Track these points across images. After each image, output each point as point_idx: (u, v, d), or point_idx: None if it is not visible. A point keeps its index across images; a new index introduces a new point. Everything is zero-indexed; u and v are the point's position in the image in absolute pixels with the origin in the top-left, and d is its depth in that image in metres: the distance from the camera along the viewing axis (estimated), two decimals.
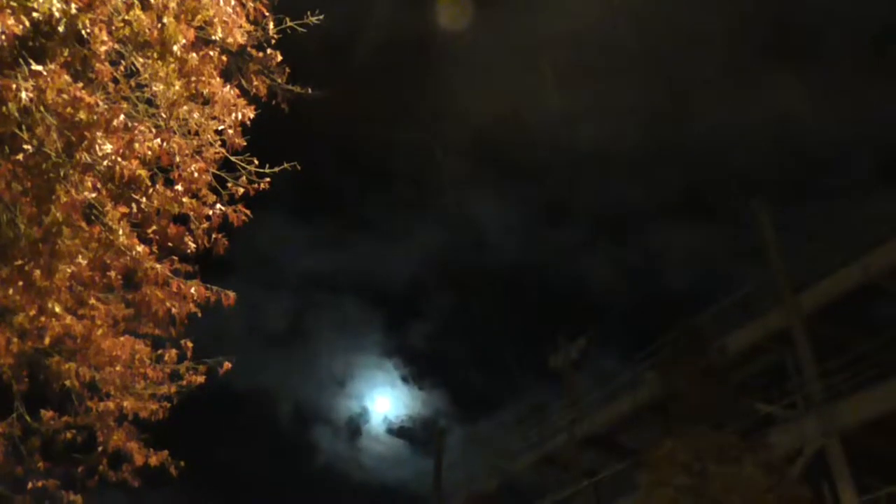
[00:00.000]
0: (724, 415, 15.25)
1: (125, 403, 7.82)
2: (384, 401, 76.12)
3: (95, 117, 4.71)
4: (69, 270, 5.31)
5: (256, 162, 5.91)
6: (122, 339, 7.40)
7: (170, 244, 5.54)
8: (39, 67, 4.51)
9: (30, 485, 8.59)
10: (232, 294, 5.95)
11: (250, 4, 5.65)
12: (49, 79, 4.46)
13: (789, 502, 13.78)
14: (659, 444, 15.40)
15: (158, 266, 5.45)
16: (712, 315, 21.29)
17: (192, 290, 5.77)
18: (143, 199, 5.16)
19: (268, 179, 5.95)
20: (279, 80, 6.31)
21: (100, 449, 8.30)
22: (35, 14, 4.31)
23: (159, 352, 7.79)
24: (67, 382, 7.59)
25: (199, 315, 6.38)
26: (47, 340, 6.78)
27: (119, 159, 4.70)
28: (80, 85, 4.78)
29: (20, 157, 4.82)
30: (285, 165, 6.02)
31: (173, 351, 7.78)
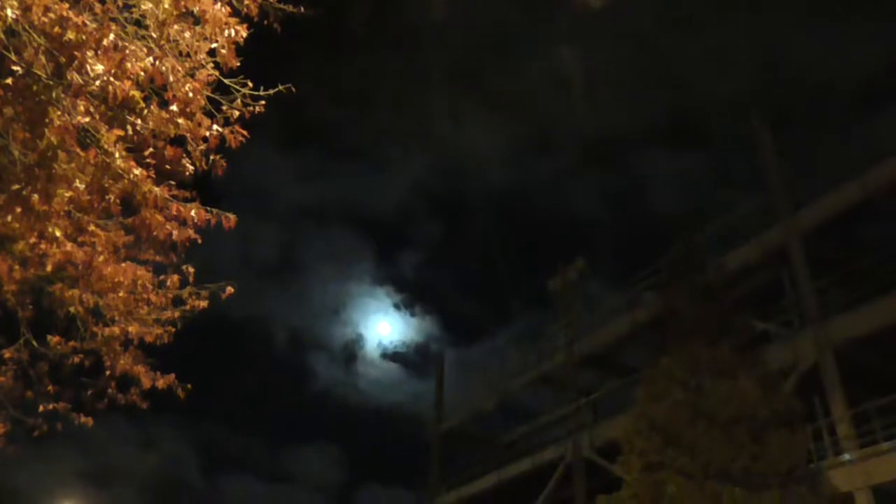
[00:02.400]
0: (721, 332, 15.47)
1: (130, 328, 7.89)
2: (378, 327, 77.41)
3: (84, 37, 4.58)
4: (67, 195, 5.26)
5: (251, 84, 5.77)
6: (123, 265, 7.40)
7: (167, 167, 5.46)
8: None
9: (41, 408, 8.78)
10: (233, 217, 5.90)
11: None
12: None
13: (782, 415, 14.14)
14: (656, 362, 15.70)
15: (157, 189, 5.38)
16: (709, 234, 21.43)
17: (192, 213, 5.71)
18: (138, 121, 5.06)
19: (263, 102, 5.82)
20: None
21: (107, 373, 8.43)
22: None
23: (161, 277, 7.81)
24: (72, 309, 7.64)
25: (199, 241, 6.36)
26: (49, 267, 6.79)
27: (111, 79, 4.59)
28: (67, 5, 4.63)
29: (9, 80, 4.70)
30: (280, 88, 5.87)
31: (175, 276, 7.80)
